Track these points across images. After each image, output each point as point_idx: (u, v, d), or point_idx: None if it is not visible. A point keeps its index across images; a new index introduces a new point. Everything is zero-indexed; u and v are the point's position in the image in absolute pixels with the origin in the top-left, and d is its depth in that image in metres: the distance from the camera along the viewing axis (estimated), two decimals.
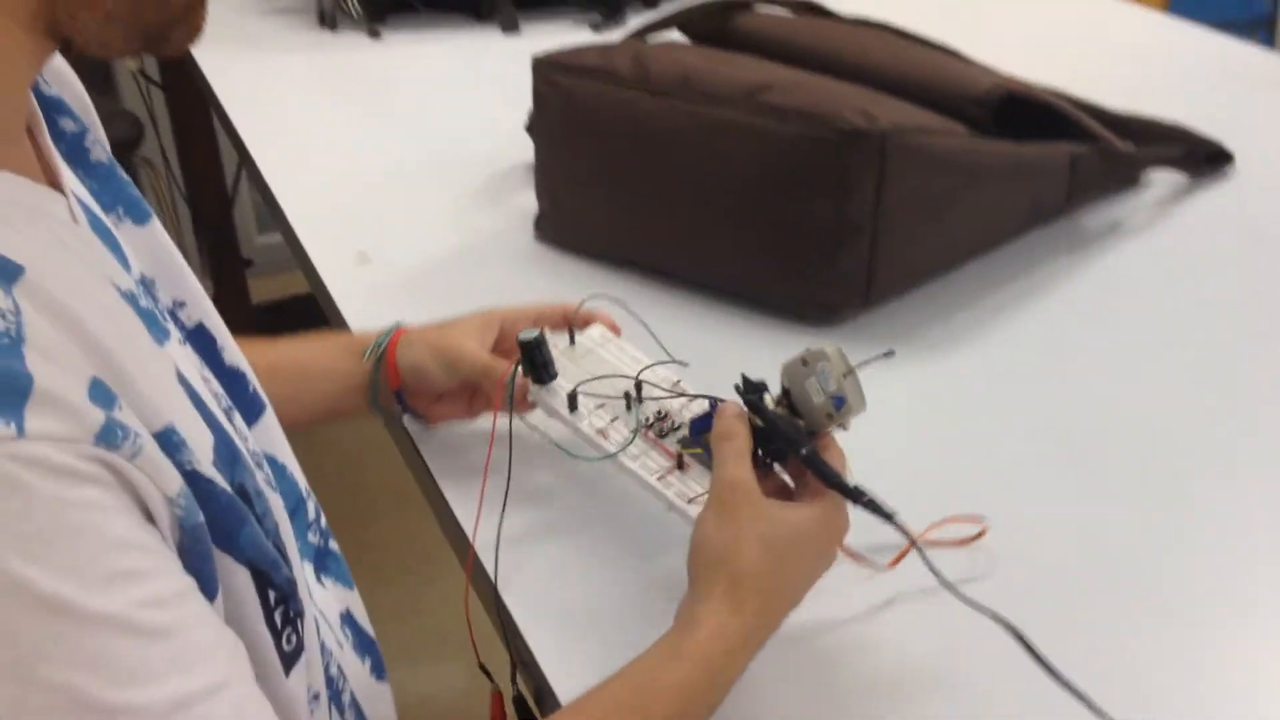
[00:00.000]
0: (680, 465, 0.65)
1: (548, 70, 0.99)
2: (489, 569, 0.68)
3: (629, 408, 0.69)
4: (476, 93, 1.34)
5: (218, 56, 1.41)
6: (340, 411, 0.81)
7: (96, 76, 2.40)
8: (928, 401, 0.84)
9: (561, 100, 0.99)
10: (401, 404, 0.80)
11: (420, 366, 0.78)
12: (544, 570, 0.70)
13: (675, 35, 1.14)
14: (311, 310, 1.02)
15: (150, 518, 0.44)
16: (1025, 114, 0.98)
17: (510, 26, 1.46)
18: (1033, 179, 0.98)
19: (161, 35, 0.50)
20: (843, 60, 1.00)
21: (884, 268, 0.90)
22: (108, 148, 0.61)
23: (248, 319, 2.27)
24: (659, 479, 0.65)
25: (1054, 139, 1.00)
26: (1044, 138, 0.99)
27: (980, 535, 0.70)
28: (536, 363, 0.70)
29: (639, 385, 0.69)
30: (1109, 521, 0.73)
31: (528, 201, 1.06)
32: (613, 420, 0.69)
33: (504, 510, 0.71)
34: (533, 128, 1.06)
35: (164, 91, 2.10)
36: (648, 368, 0.70)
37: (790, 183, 0.88)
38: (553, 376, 0.71)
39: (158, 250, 0.61)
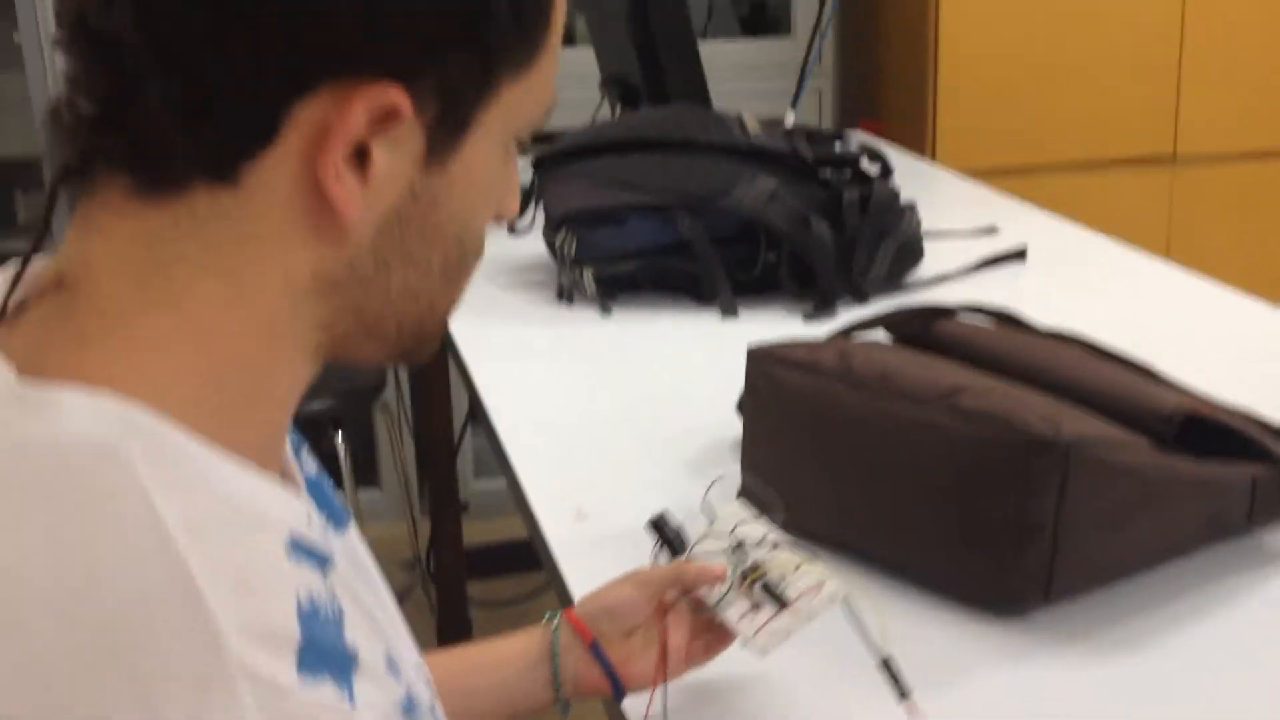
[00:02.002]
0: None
1: (761, 361, 1.10)
2: None
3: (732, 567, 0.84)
4: (694, 369, 1.47)
5: (463, 320, 1.58)
6: (520, 703, 0.86)
7: None
8: (1106, 700, 0.88)
9: (771, 388, 1.09)
10: (602, 660, 0.84)
11: (604, 598, 0.84)
12: None
13: (880, 334, 1.24)
14: (521, 557, 1.12)
15: None
16: (1210, 432, 1.03)
17: (729, 311, 1.59)
18: (1213, 496, 1.03)
19: (415, 353, 0.62)
20: (1035, 370, 1.08)
21: (1064, 567, 0.96)
22: (315, 459, 0.71)
23: (460, 560, 2.40)
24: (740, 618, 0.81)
25: (1237, 458, 1.04)
26: (1227, 456, 1.04)
27: None
28: (667, 536, 0.81)
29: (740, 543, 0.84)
30: None
31: (732, 474, 1.15)
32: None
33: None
34: (743, 408, 1.17)
35: None
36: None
37: (978, 481, 0.95)
38: (684, 544, 0.82)
39: (354, 555, 0.67)
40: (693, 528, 0.88)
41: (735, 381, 1.18)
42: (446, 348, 1.57)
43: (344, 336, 0.58)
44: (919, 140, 2.73)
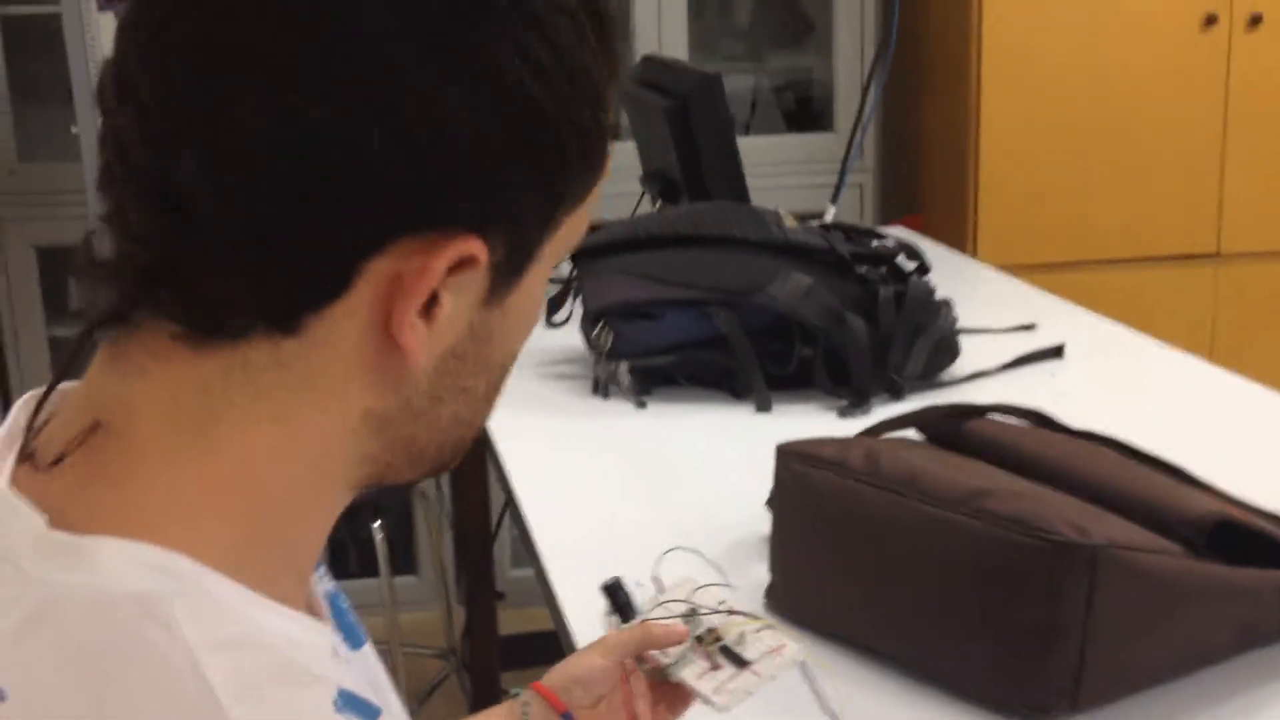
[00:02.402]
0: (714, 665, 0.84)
1: (789, 458, 1.11)
2: None
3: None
4: (727, 463, 1.47)
5: (500, 411, 1.59)
6: None
7: None
8: None
9: (799, 485, 1.10)
10: None
11: (572, 668, 0.84)
12: None
13: (911, 433, 1.24)
14: (556, 646, 1.13)
15: None
16: (1244, 538, 1.02)
17: (763, 407, 1.60)
18: (1246, 604, 1.01)
19: (449, 466, 0.62)
20: (1065, 472, 1.07)
21: (1092, 674, 0.94)
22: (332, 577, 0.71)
23: (494, 649, 2.39)
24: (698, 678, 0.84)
25: (1272, 565, 1.03)
26: (1260, 561, 1.02)
27: None
28: (619, 601, 0.83)
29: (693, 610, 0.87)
30: None
31: (760, 571, 1.15)
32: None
33: None
34: (772, 505, 1.17)
35: None
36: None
37: (1004, 584, 0.95)
38: (635, 613, 0.84)
39: (370, 674, 0.66)
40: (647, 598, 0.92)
41: (767, 477, 1.18)
42: (483, 440, 1.58)
43: (389, 466, 0.58)
44: (960, 235, 2.74)
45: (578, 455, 1.51)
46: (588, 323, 1.68)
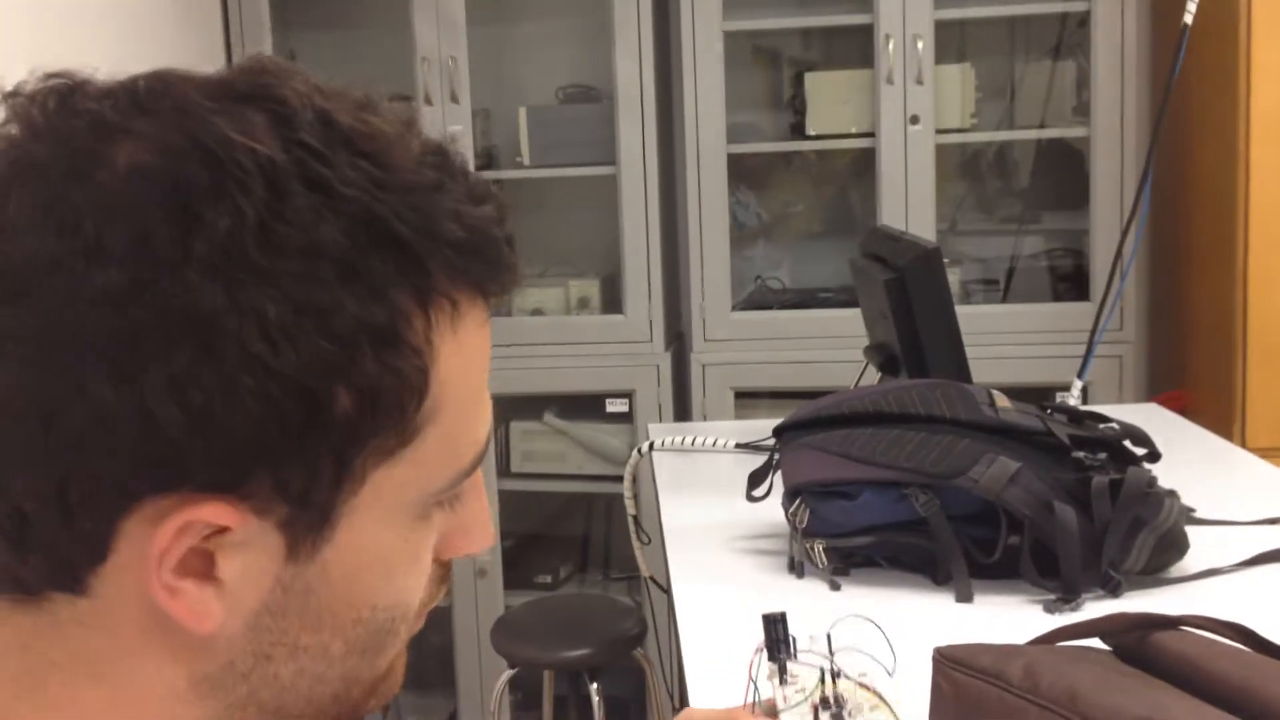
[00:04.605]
0: None
1: (945, 664, 1.04)
2: None
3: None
4: (922, 654, 1.39)
5: (689, 584, 1.58)
6: None
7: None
8: None
9: (955, 694, 1.03)
10: None
11: None
12: None
13: (1096, 641, 1.15)
14: None
15: None
16: None
17: (964, 598, 1.52)
18: None
19: (354, 715, 0.58)
20: (1257, 700, 0.96)
21: None
22: None
23: None
24: None
25: None
26: None
27: None
28: (774, 636, 0.79)
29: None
30: None
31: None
32: None
33: None
34: (930, 712, 1.10)
35: (665, 593, 2.30)
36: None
37: None
38: (788, 655, 0.79)
39: None
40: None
41: None
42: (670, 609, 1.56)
43: None
44: (1228, 415, 2.56)
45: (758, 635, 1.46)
46: (786, 499, 1.65)
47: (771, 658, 0.88)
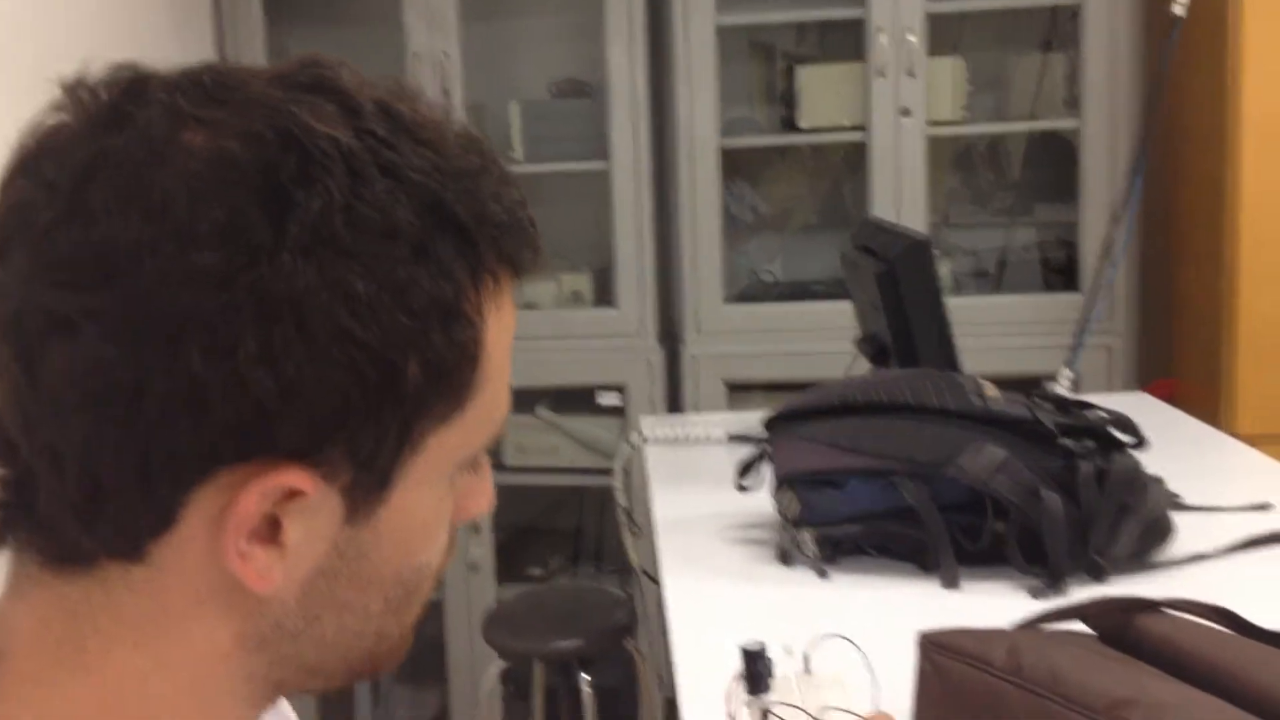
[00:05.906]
0: None
1: (929, 648, 1.05)
2: None
3: None
4: (908, 640, 1.40)
5: (679, 575, 1.59)
6: None
7: None
8: None
9: (938, 678, 1.04)
10: None
11: None
12: None
13: (1078, 624, 1.16)
14: None
15: None
16: None
17: (950, 583, 1.53)
18: None
19: (374, 676, 0.61)
20: (1237, 681, 0.97)
21: None
22: None
23: None
24: None
25: None
26: None
27: None
28: (754, 670, 0.79)
29: None
30: None
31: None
32: None
33: None
34: (914, 695, 1.11)
35: (655, 584, 2.31)
36: None
37: None
38: (765, 689, 0.80)
39: None
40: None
41: None
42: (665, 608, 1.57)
43: (284, 681, 0.58)
44: (1215, 403, 2.57)
45: (747, 625, 1.47)
46: (776, 489, 1.65)
47: (752, 692, 0.88)
